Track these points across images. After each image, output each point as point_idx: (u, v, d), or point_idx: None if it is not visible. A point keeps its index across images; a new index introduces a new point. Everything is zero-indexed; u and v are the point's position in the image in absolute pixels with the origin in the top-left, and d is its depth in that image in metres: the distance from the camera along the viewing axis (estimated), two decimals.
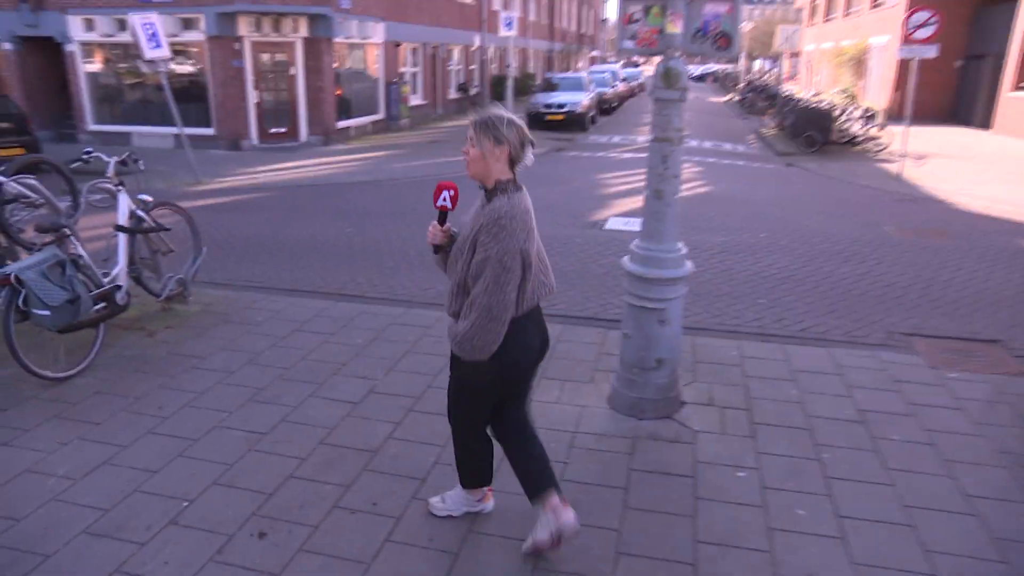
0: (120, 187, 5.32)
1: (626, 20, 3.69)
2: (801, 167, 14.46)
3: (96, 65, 16.62)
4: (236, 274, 7.00)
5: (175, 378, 4.65)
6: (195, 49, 15.89)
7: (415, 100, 21.68)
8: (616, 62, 48.25)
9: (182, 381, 4.60)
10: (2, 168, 5.66)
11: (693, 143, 18.05)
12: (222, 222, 9.14)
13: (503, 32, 19.60)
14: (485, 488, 3.09)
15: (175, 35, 15.39)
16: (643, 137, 18.98)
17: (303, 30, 15.78)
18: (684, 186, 11.35)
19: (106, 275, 5.11)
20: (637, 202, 10.20)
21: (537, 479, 2.78)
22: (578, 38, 49.47)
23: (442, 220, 2.69)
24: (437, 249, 2.72)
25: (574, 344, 5.15)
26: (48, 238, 4.90)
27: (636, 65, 58.09)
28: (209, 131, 15.92)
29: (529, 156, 2.58)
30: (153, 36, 11.24)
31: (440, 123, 21.84)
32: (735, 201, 10.54)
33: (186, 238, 6.09)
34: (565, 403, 4.28)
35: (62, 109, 17.32)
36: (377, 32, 18.58)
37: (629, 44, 3.72)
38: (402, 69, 20.63)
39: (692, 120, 24.17)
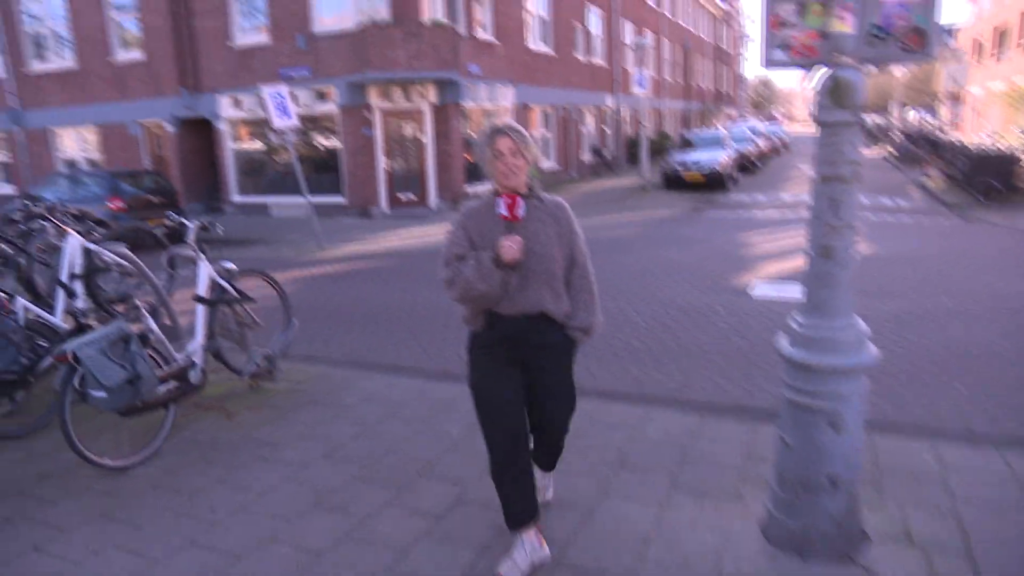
0: (201, 255, 4.87)
1: (774, 24, 2.77)
2: (984, 221, 12.56)
3: (241, 141, 17.45)
4: (337, 347, 6.49)
5: (238, 470, 4.04)
6: (328, 120, 16.29)
7: (547, 164, 21.41)
8: (763, 120, 46.34)
9: (245, 475, 3.98)
10: (99, 235, 5.44)
11: None
12: (335, 290, 8.79)
13: (635, 91, 19.06)
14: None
15: (310, 107, 15.94)
16: (790, 195, 17.66)
17: (432, 96, 15.82)
18: None
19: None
20: (788, 264, 9.01)
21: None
22: (715, 97, 48.28)
23: (508, 231, 2.67)
24: (512, 266, 2.63)
25: (714, 443, 4.11)
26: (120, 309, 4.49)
27: (777, 120, 55.90)
28: (340, 199, 16.18)
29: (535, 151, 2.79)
30: (282, 106, 11.41)
31: (573, 186, 21.35)
32: (905, 261, 9.07)
33: (277, 310, 5.59)
34: (703, 527, 3.27)
35: (211, 183, 18.31)
36: (507, 96, 18.51)
37: (780, 55, 2.80)
38: (533, 132, 20.32)
39: None
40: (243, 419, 4.84)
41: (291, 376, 5.62)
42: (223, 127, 17.27)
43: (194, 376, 4.65)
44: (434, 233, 13.59)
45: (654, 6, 31.99)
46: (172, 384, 4.52)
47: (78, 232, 5.34)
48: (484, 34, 17.61)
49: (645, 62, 19.93)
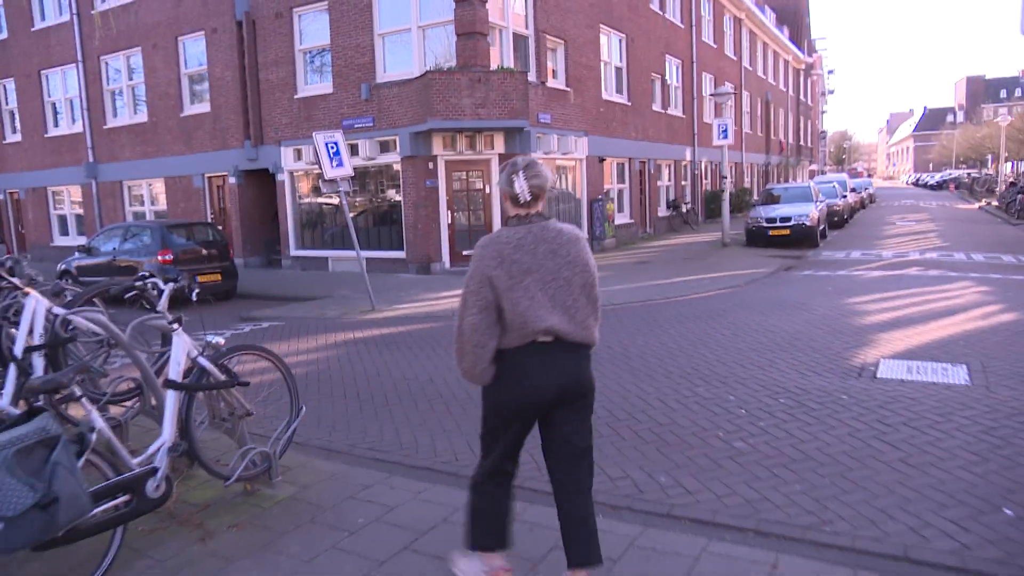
0: (176, 325, 3.74)
1: None
2: None
3: (301, 193, 17.04)
4: (363, 436, 5.32)
5: None
6: (391, 171, 15.70)
7: (621, 219, 20.49)
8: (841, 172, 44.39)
9: None
10: (69, 299, 4.41)
11: (959, 256, 14.64)
12: (377, 360, 7.71)
13: (717, 141, 17.78)
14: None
15: (372, 158, 15.38)
16: (889, 252, 15.93)
17: (499, 146, 15.05)
18: (976, 311, 8.32)
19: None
20: (914, 337, 7.48)
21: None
22: (796, 151, 46.33)
23: None
24: None
25: None
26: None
27: (860, 174, 53.32)
28: (400, 254, 15.47)
29: (517, 187, 2.80)
30: (335, 155, 10.64)
31: (649, 243, 20.41)
32: None
33: (280, 393, 4.42)
34: None
35: (271, 236, 17.94)
36: (579, 147, 17.64)
37: None
38: (607, 186, 19.49)
39: (945, 230, 20.75)
40: (221, 543, 3.65)
41: (297, 477, 4.42)
42: (284, 178, 16.88)
43: (152, 487, 3.47)
44: None
45: (733, 57, 30.92)
46: (119, 499, 3.34)
47: (50, 292, 4.29)
48: (556, 82, 16.90)
49: (726, 112, 18.55)
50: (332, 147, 10.70)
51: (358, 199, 16.05)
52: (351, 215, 16.02)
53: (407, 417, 5.71)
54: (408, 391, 6.44)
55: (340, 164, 10.80)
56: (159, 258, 12.04)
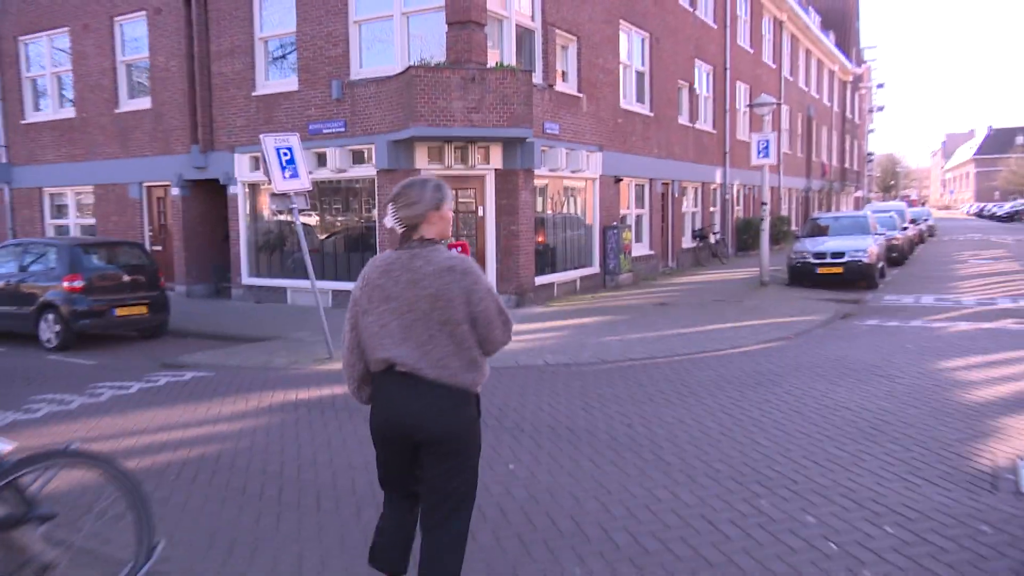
0: None
1: None
2: None
3: (258, 209, 16.27)
4: (274, 564, 4.08)
5: None
6: (366, 187, 14.92)
7: (640, 250, 19.97)
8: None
9: None
10: None
11: None
12: (318, 433, 6.57)
13: (756, 161, 16.94)
14: None
15: (343, 170, 14.65)
16: (970, 297, 14.79)
17: (495, 160, 14.25)
18: None
19: None
20: None
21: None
22: (840, 174, 45.46)
23: None
24: None
25: None
26: None
27: (914, 202, 52.35)
28: None
29: (388, 221, 3.14)
30: (289, 163, 9.72)
31: (672, 279, 19.85)
32: None
33: (118, 518, 3.14)
34: None
35: (221, 260, 17.13)
36: (592, 164, 16.98)
37: None
38: (623, 211, 19.04)
39: None
40: None
41: None
42: (237, 191, 16.03)
43: None
44: None
45: (772, 65, 30.42)
46: None
47: None
48: (566, 86, 16.19)
49: (766, 127, 17.78)
50: (285, 153, 9.85)
51: (327, 219, 15.47)
52: (306, 239, 15.53)
53: (343, 535, 4.46)
54: (352, 489, 5.23)
55: (295, 175, 9.96)
56: (65, 284, 11.06)
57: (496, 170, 14.34)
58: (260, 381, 8.79)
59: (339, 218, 15.45)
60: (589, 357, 9.70)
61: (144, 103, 17.33)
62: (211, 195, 16.97)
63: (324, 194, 15.36)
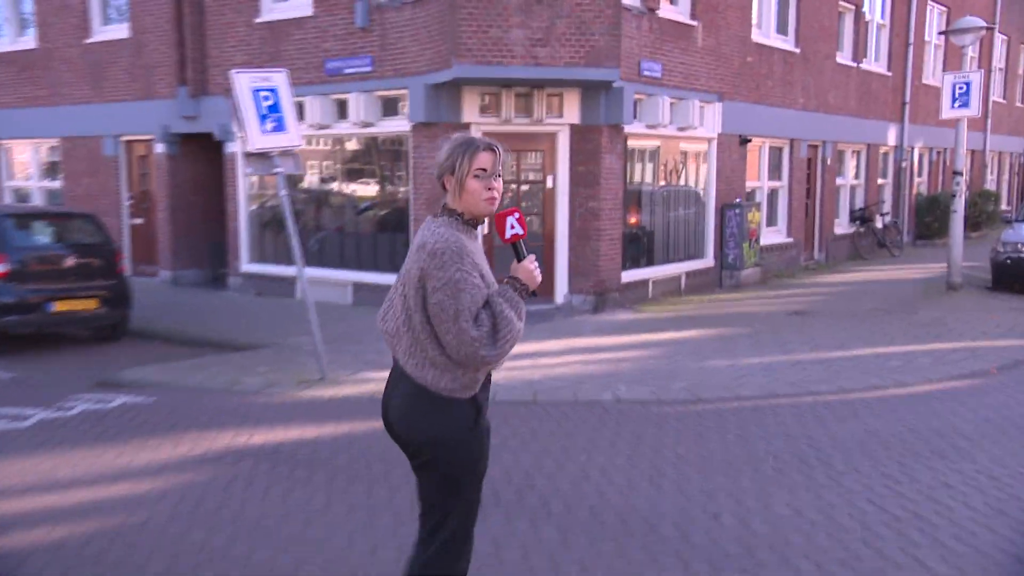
0: None
1: None
2: None
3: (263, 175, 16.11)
4: None
5: None
6: (398, 146, 14.88)
7: (773, 236, 19.72)
8: None
9: None
10: None
11: None
12: (260, 509, 6.06)
13: (948, 113, 16.41)
14: None
15: (370, 124, 14.55)
16: None
17: (571, 112, 13.88)
18: None
19: None
20: None
21: None
22: None
23: (520, 254, 3.49)
24: (535, 293, 3.50)
25: None
26: None
27: None
28: None
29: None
30: (272, 111, 9.55)
31: (816, 277, 19.70)
32: None
33: None
34: None
35: (217, 238, 17.17)
36: (708, 119, 16.71)
37: None
38: (751, 183, 18.77)
39: None
40: None
41: None
42: (237, 149, 15.89)
43: None
44: (543, 353, 11.10)
45: None
46: None
47: None
48: (673, 10, 15.70)
49: (967, 65, 17.25)
50: (266, 97, 9.57)
51: (348, 187, 15.59)
52: (323, 213, 15.84)
53: None
54: None
55: (279, 127, 9.70)
56: None
57: (572, 126, 14.09)
58: (211, 412, 8.50)
59: (364, 187, 15.52)
60: (680, 391, 9.21)
61: (121, 31, 17.45)
62: (206, 153, 16.99)
63: (346, 155, 15.40)
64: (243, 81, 9.42)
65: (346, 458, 7.01)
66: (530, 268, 3.41)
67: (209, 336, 12.35)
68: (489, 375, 3.54)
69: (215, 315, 14.10)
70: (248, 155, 9.66)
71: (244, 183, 16.24)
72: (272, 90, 9.57)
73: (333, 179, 15.56)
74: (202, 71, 16.30)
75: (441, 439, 3.35)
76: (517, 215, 3.47)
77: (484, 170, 3.35)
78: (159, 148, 17.09)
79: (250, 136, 9.46)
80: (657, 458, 6.87)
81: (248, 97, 9.38)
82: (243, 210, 16.31)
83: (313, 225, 15.94)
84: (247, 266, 16.34)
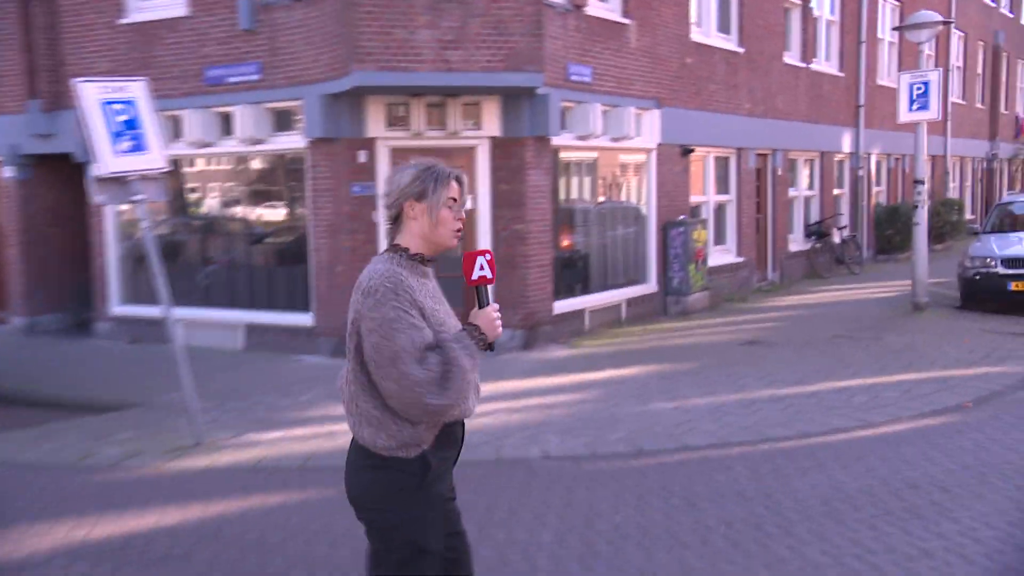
0: None
1: None
2: None
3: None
4: None
5: None
6: (292, 165, 14.92)
7: (721, 257, 19.83)
8: None
9: None
10: None
11: None
12: None
13: (908, 116, 16.59)
14: None
15: (260, 140, 14.37)
16: None
17: (490, 123, 13.83)
18: None
19: None
20: None
21: None
22: None
23: (483, 300, 3.60)
24: (492, 346, 3.62)
25: None
26: None
27: None
28: (304, 319, 14.48)
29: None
30: (129, 127, 9.19)
31: (771, 299, 19.91)
32: None
33: None
34: None
35: (82, 277, 16.84)
36: (646, 127, 16.80)
37: None
38: (696, 199, 18.94)
39: None
40: None
41: None
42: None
43: None
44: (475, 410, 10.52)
45: None
46: None
47: None
48: (603, 7, 15.70)
49: (923, 63, 17.24)
50: (120, 112, 9.21)
51: (238, 214, 15.52)
52: (210, 245, 15.74)
53: None
54: None
55: (139, 147, 9.33)
56: None
57: (492, 139, 14.13)
58: (48, 498, 7.99)
59: (256, 213, 15.46)
60: (619, 443, 9.01)
61: None
62: (65, 177, 16.59)
63: (234, 177, 15.29)
64: (90, 92, 9.03)
65: (211, 551, 6.53)
66: (492, 317, 3.49)
67: (64, 395, 11.98)
68: (461, 429, 3.64)
69: (76, 368, 13.81)
70: (99, 180, 9.25)
71: (112, 212, 15.90)
72: (128, 102, 9.25)
73: (220, 205, 15.39)
74: (57, 81, 15.90)
75: (376, 503, 3.43)
76: (488, 256, 3.57)
77: (455, 200, 3.51)
78: (7, 172, 16.75)
79: (100, 158, 9.07)
80: (590, 531, 6.51)
81: (97, 111, 9.03)
82: (112, 243, 15.97)
83: (199, 258, 15.73)
84: (118, 308, 15.97)
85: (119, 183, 9.25)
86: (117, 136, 9.09)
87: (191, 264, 15.74)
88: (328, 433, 9.67)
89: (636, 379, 11.77)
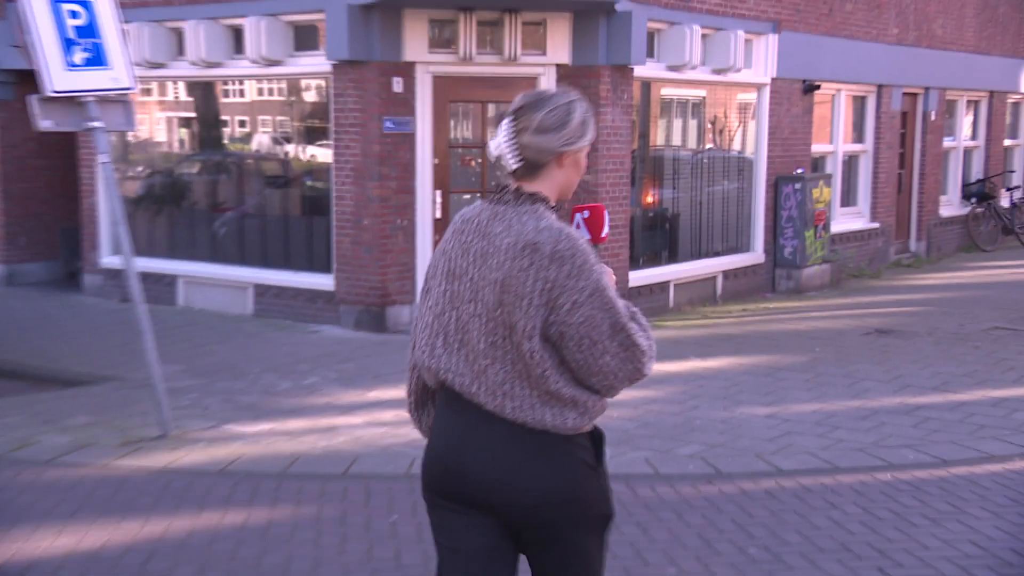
0: None
1: None
2: None
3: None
4: None
5: None
6: (311, 94, 15.15)
7: (848, 221, 19.76)
8: None
9: None
10: None
11: None
12: None
13: None
14: None
15: (275, 61, 14.28)
16: None
17: (556, 47, 14.00)
18: None
19: None
20: None
21: None
22: None
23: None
24: None
25: None
26: None
27: None
28: (324, 282, 14.49)
29: (493, 145, 3.44)
30: (85, 36, 8.96)
31: (911, 277, 19.76)
32: None
33: None
34: None
35: (77, 222, 17.10)
36: (758, 56, 16.65)
37: None
38: (819, 148, 18.83)
39: None
40: None
41: None
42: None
43: None
44: None
45: None
46: None
47: None
48: None
49: None
50: (73, 14, 9.01)
51: (249, 153, 15.70)
52: (219, 190, 16.37)
53: None
54: None
55: (98, 60, 9.10)
56: None
57: (559, 67, 14.06)
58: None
59: (271, 152, 15.62)
60: (691, 461, 8.58)
61: None
62: None
63: (244, 107, 15.42)
64: None
65: None
66: (613, 280, 3.40)
67: (29, 363, 11.98)
68: None
69: (51, 330, 13.90)
70: (42, 100, 9.06)
71: (105, 139, 15.53)
72: (85, 3, 9.07)
73: (229, 140, 15.50)
74: None
75: (567, 489, 3.28)
76: (591, 212, 3.64)
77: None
78: None
79: (44, 71, 8.84)
80: None
81: (43, 10, 8.81)
82: (103, 180, 15.53)
83: (205, 204, 16.01)
84: (109, 259, 16.08)
85: (72, 104, 9.11)
86: (69, 45, 8.92)
87: (195, 210, 15.89)
88: (327, 428, 9.57)
89: (725, 374, 11.52)
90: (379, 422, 9.98)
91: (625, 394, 9.87)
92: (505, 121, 3.31)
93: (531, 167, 3.30)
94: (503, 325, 3.24)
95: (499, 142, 3.31)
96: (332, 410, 10.22)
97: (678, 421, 9.52)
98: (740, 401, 10.22)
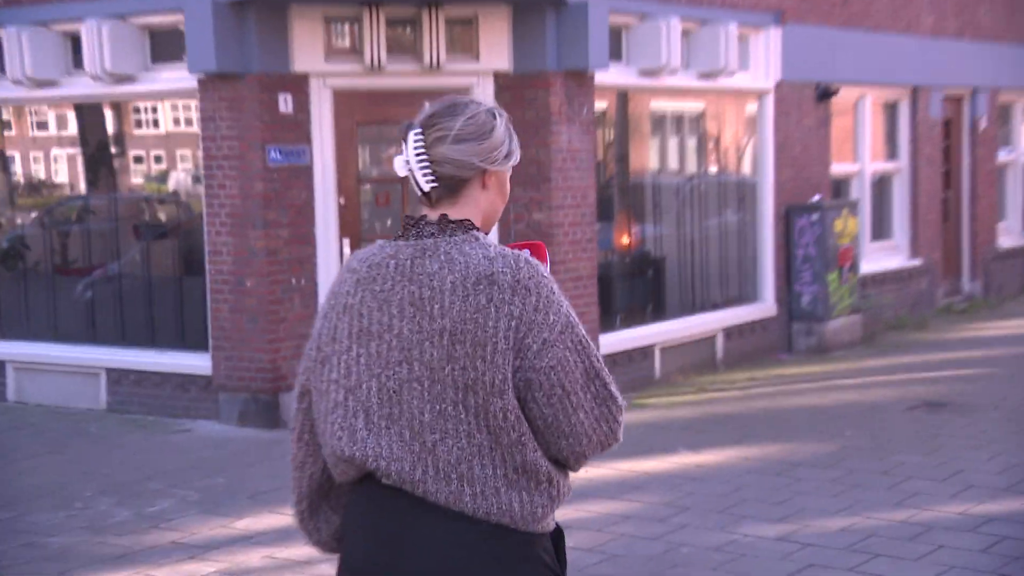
0: None
1: None
2: None
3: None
4: None
5: None
6: (176, 119, 15.23)
7: (881, 259, 19.80)
8: None
9: None
10: None
11: None
12: None
13: None
14: None
15: (128, 76, 14.05)
16: None
17: (493, 51, 13.96)
18: None
19: None
20: None
21: None
22: None
23: None
24: None
25: None
26: None
27: None
28: (199, 362, 14.31)
29: (399, 163, 3.39)
30: None
31: (963, 328, 19.68)
32: None
33: None
34: None
35: None
36: (757, 56, 16.76)
37: None
38: (841, 168, 18.91)
39: None
40: None
41: None
42: None
43: None
44: None
45: None
46: None
47: None
48: None
49: None
50: None
51: (95, 194, 15.54)
52: (45, 243, 16.32)
53: None
54: None
55: None
56: None
57: (498, 76, 14.12)
58: None
59: (136, 196, 15.57)
60: None
61: None
62: None
63: (88, 136, 15.34)
64: None
65: None
66: None
67: None
68: None
69: None
70: None
71: None
72: None
73: (81, 184, 15.49)
74: None
75: None
76: (531, 250, 3.45)
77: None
78: None
79: None
80: None
81: None
82: None
83: (48, 267, 15.81)
84: None
85: None
86: None
87: (33, 274, 15.68)
88: None
89: (724, 473, 11.11)
90: (243, 570, 8.91)
91: (583, 509, 9.18)
92: (412, 133, 3.14)
93: (449, 187, 3.17)
94: (455, 386, 3.05)
95: (407, 157, 3.16)
96: (178, 553, 9.39)
97: (656, 551, 8.95)
98: (743, 516, 9.66)
